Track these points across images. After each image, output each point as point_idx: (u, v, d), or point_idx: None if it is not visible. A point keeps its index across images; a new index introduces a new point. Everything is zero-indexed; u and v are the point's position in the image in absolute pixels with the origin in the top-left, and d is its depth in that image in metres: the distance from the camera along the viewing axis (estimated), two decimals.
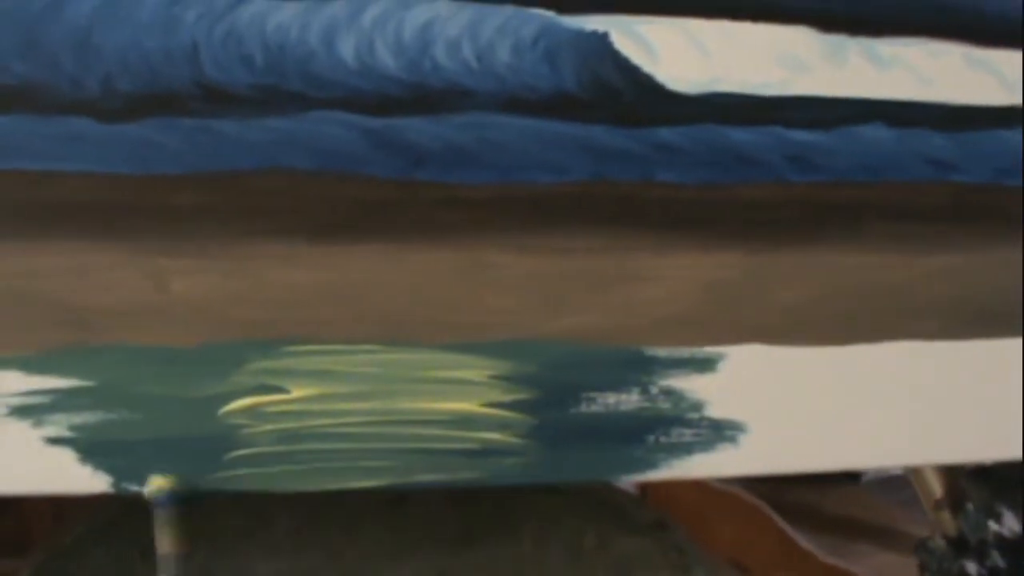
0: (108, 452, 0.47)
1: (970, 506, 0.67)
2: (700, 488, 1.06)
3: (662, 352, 0.51)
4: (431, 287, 0.49)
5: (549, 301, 0.50)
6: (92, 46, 0.45)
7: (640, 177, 0.50)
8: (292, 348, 0.48)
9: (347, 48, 0.47)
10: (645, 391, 0.51)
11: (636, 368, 0.51)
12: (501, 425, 0.50)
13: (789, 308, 0.52)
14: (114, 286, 0.46)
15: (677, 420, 0.51)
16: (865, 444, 0.53)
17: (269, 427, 0.48)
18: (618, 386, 0.51)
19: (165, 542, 0.46)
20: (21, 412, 0.46)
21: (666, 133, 0.50)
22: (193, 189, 0.46)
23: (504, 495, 0.64)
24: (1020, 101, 0.53)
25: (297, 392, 0.48)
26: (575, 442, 0.50)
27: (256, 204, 0.47)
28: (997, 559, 0.65)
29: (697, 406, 0.51)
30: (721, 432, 0.51)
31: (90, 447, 0.47)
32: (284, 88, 0.47)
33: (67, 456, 0.47)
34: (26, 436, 0.46)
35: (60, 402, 0.46)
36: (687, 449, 0.51)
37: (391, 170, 0.48)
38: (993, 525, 0.65)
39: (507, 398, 0.50)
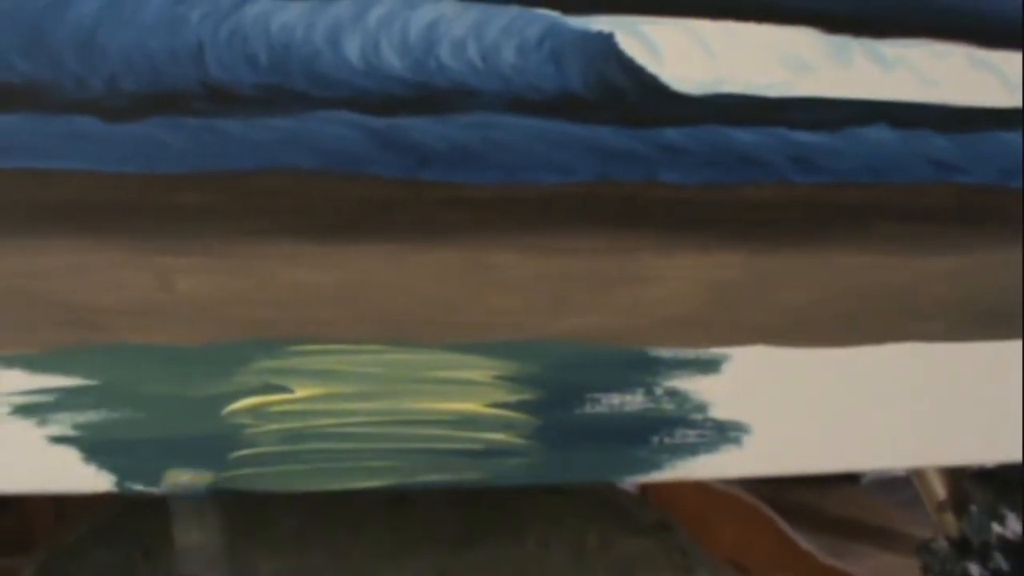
0: (112, 451, 0.47)
1: (973, 508, 0.67)
2: (700, 489, 1.06)
3: (666, 353, 0.51)
4: (435, 287, 0.49)
5: (553, 301, 0.50)
6: (96, 45, 0.45)
7: (644, 177, 0.50)
8: (296, 348, 0.48)
9: (352, 48, 0.47)
10: (649, 392, 0.51)
11: (640, 369, 0.51)
12: (505, 425, 0.50)
13: (793, 309, 0.52)
14: (118, 285, 0.46)
15: (681, 421, 0.51)
16: (869, 445, 0.53)
17: (273, 427, 0.48)
18: (622, 387, 0.51)
19: (187, 536, 0.46)
20: (25, 411, 0.46)
21: (670, 134, 0.50)
22: (197, 188, 0.46)
23: (506, 495, 0.64)
24: (1021, 103, 0.53)
25: (301, 392, 0.48)
26: (579, 443, 0.50)
27: (260, 203, 0.47)
28: (1000, 561, 0.65)
29: (701, 407, 0.51)
30: (725, 433, 0.51)
31: (94, 446, 0.47)
32: (289, 88, 0.47)
33: (71, 455, 0.47)
34: (29, 435, 0.46)
35: (64, 401, 0.46)
36: (691, 450, 0.51)
37: (396, 170, 0.48)
38: (996, 527, 0.65)
39: (511, 398, 0.50)
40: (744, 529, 1.07)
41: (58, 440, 0.46)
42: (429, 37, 0.48)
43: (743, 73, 0.50)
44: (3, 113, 0.45)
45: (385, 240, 0.48)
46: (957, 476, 0.69)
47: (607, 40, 0.49)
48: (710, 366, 0.51)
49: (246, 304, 0.47)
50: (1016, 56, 0.53)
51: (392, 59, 0.48)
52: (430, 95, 0.48)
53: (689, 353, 0.51)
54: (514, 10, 0.48)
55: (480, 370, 0.49)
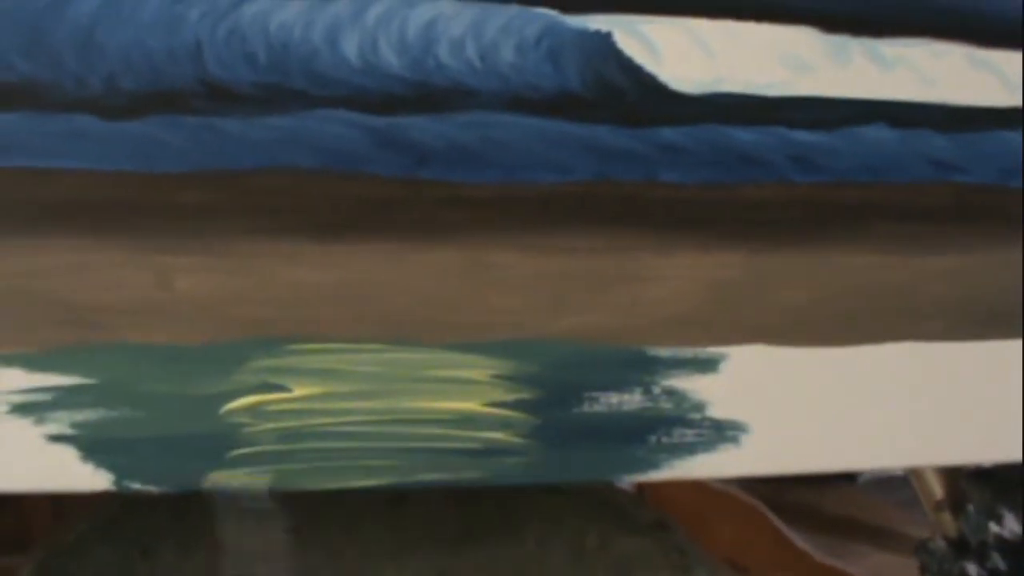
0: (110, 450, 0.47)
1: (971, 507, 0.67)
2: (698, 488, 1.06)
3: (665, 352, 0.51)
4: (434, 286, 0.49)
5: (552, 301, 0.50)
6: (95, 44, 0.45)
7: (643, 177, 0.50)
8: (295, 347, 0.48)
9: (351, 46, 0.47)
10: (648, 391, 0.51)
11: (639, 368, 0.51)
12: (503, 425, 0.50)
13: (791, 308, 0.52)
14: (117, 284, 0.46)
15: (679, 420, 0.51)
16: (867, 445, 0.53)
17: (271, 426, 0.48)
18: (621, 386, 0.51)
19: (244, 537, 0.46)
20: (23, 410, 0.46)
21: (669, 133, 0.50)
22: (196, 187, 0.46)
23: (505, 495, 0.64)
24: (1021, 102, 0.53)
25: (299, 391, 0.48)
26: (577, 442, 0.50)
27: (259, 202, 0.47)
28: (998, 561, 0.65)
29: (699, 406, 0.51)
30: (723, 432, 0.51)
31: (92, 445, 0.47)
32: (287, 86, 0.47)
33: (69, 454, 0.47)
34: (27, 434, 0.46)
35: (62, 400, 0.46)
36: (689, 449, 0.51)
37: (395, 169, 0.48)
38: (994, 527, 0.65)
39: (509, 398, 0.50)
40: (742, 528, 1.07)
41: (56, 439, 0.46)
42: (427, 36, 0.48)
43: (742, 72, 0.50)
44: (2, 112, 0.45)
45: (384, 239, 0.48)
46: (954, 476, 0.69)
47: (606, 39, 0.49)
48: (708, 365, 0.51)
49: (245, 303, 0.47)
50: (1016, 56, 0.53)
51: (390, 58, 0.47)
52: (429, 94, 0.48)
53: (687, 352, 0.51)
54: (513, 9, 0.48)
55: (478, 369, 0.49)
